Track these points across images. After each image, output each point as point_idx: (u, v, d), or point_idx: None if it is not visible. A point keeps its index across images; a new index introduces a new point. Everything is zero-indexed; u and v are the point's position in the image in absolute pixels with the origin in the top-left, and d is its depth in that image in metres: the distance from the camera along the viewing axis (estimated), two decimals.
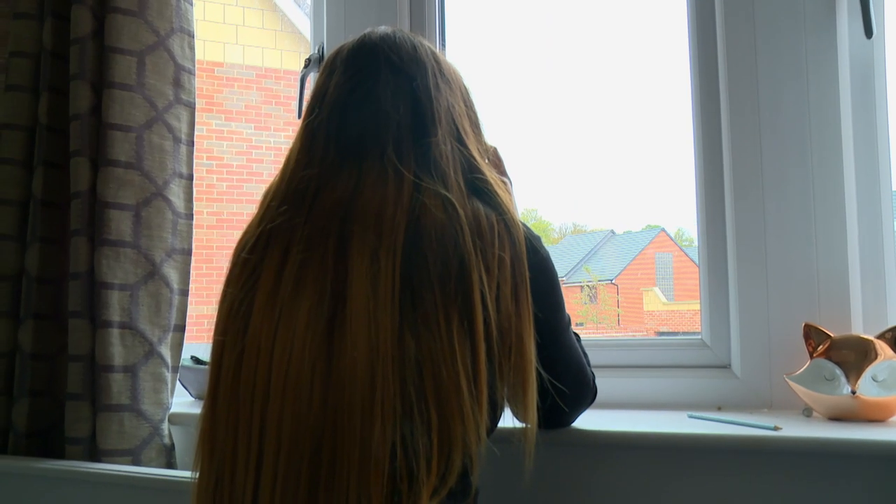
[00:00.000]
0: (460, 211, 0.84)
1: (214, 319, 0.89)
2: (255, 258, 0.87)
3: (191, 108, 1.43)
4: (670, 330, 3.66)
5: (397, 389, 0.77)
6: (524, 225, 0.90)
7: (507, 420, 0.91)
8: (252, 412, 0.81)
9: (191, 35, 1.44)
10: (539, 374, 0.88)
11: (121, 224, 1.32)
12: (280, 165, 0.95)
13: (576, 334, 1.02)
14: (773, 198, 1.20)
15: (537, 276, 0.88)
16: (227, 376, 0.85)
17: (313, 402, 0.79)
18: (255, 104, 5.45)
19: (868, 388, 1.04)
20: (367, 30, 0.97)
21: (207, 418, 0.86)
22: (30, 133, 1.42)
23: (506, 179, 1.09)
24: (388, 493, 0.76)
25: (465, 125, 0.94)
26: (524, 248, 0.87)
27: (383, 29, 0.97)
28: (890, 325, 1.09)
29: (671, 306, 3.80)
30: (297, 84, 1.57)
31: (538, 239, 0.93)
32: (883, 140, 1.20)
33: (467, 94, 0.99)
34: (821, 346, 1.10)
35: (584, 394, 1.01)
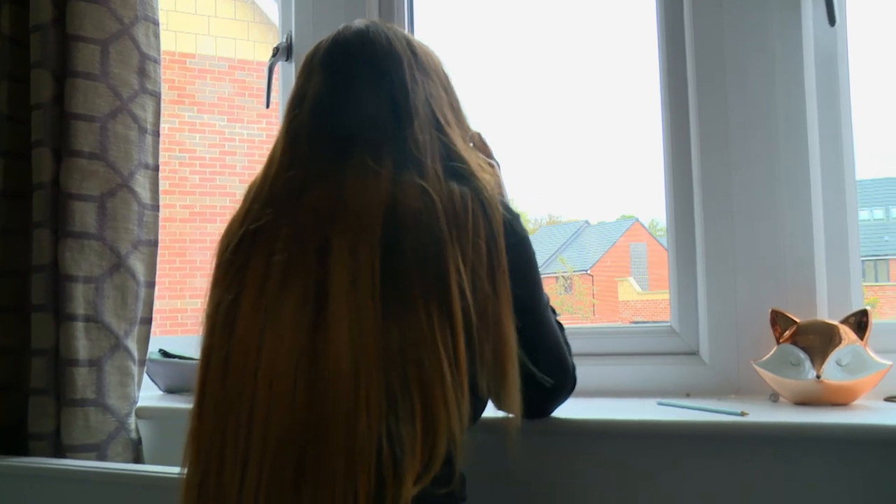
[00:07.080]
0: (435, 197, 0.84)
1: (202, 318, 0.90)
2: (240, 259, 0.88)
3: (156, 97, 1.40)
4: (644, 319, 3.68)
5: (381, 382, 0.78)
6: (503, 204, 0.90)
7: (490, 410, 0.92)
8: (239, 410, 0.82)
9: (156, 23, 1.41)
10: (519, 362, 0.88)
11: (85, 215, 1.30)
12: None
13: (559, 323, 1.02)
14: (741, 186, 1.21)
15: (514, 255, 0.88)
16: (214, 376, 0.86)
17: (299, 399, 0.80)
18: (227, 96, 5.38)
19: (832, 372, 1.05)
20: (342, 26, 0.97)
21: (195, 417, 0.87)
22: None
23: (493, 162, 1.09)
24: (374, 485, 0.76)
25: (446, 113, 0.95)
26: (501, 229, 0.87)
27: (357, 24, 0.97)
28: (854, 310, 1.11)
29: (646, 296, 3.83)
30: (266, 74, 1.56)
31: (517, 218, 0.93)
32: (847, 129, 1.22)
33: (447, 80, 0.99)
34: (787, 332, 1.11)
35: (565, 379, 1.01)
